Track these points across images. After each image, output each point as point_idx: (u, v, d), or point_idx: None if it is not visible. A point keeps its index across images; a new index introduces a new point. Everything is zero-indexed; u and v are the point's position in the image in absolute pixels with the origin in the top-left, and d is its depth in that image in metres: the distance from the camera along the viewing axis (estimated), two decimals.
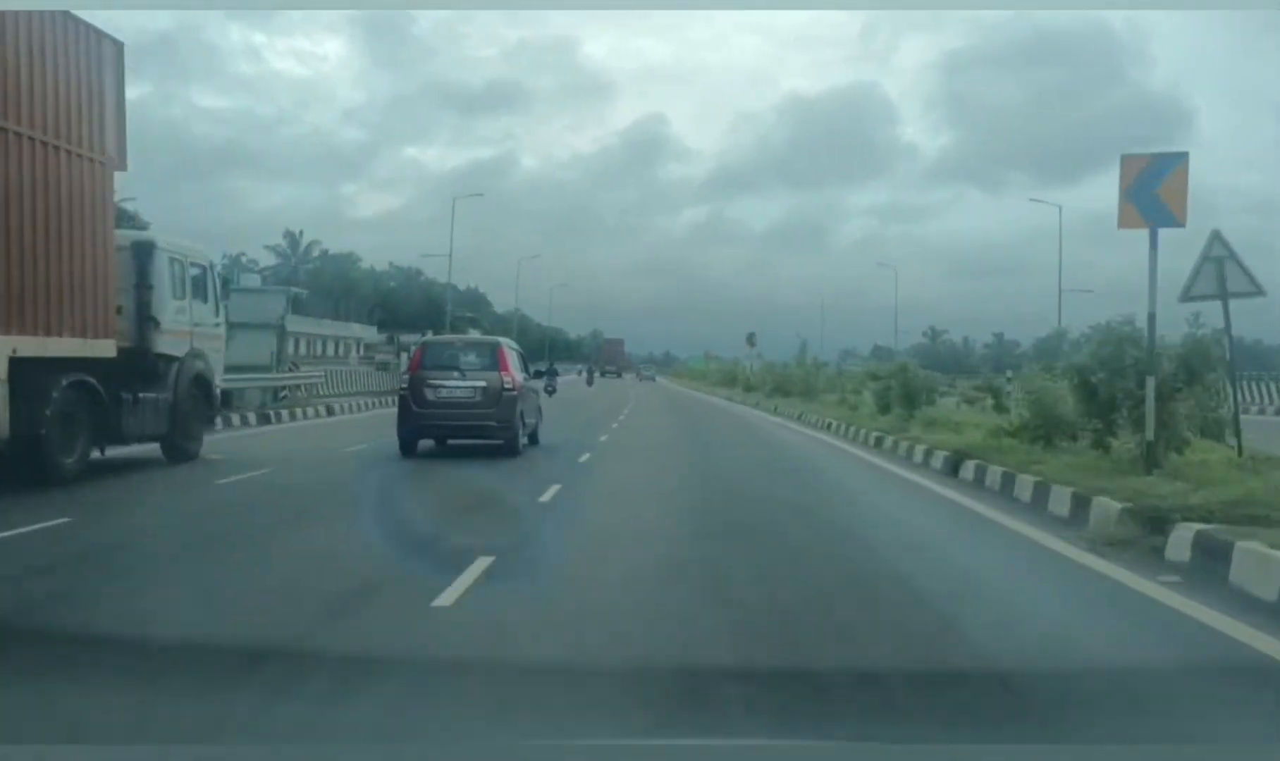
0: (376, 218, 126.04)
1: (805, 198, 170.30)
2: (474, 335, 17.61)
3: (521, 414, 14.66)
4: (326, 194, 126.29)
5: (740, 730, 3.64)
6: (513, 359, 14.93)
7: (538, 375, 17.58)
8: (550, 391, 43.86)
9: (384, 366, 42.33)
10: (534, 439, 16.43)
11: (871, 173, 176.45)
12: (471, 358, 14.61)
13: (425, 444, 14.82)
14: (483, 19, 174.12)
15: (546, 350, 70.08)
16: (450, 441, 14.82)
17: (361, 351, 61.02)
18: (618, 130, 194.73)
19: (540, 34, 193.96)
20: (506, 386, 14.26)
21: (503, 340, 15.52)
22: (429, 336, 15.74)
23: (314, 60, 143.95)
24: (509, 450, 14.29)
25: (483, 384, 14.22)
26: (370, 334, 65.88)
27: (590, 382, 67.14)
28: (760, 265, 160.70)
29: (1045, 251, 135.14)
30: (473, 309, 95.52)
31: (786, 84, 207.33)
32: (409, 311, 74.08)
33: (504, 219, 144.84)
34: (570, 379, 69.60)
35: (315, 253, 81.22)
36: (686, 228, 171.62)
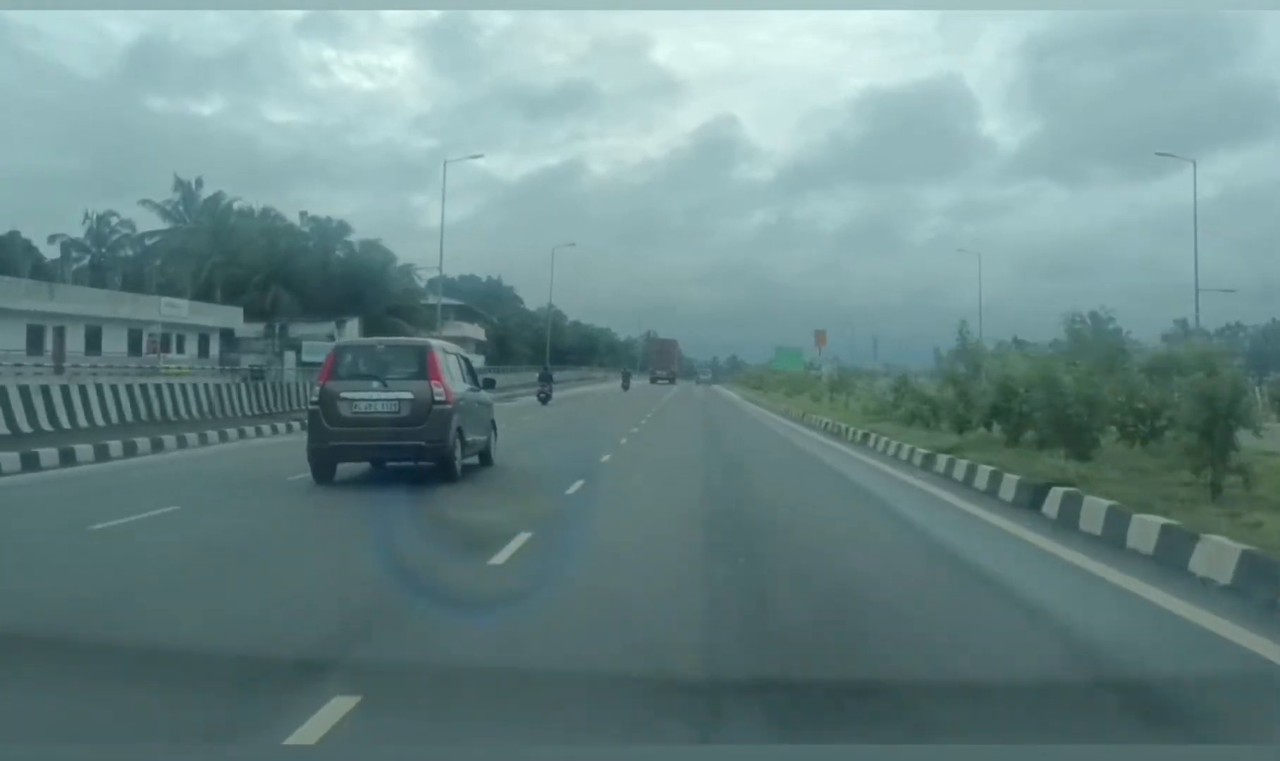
0: (447, 227, 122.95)
1: (877, 196, 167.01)
2: (399, 337, 15.05)
3: (459, 431, 12.18)
4: (396, 203, 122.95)
5: None
6: (447, 365, 12.46)
7: (488, 384, 15.03)
8: (543, 399, 40.89)
9: (257, 374, 32.01)
10: (486, 459, 14.02)
11: (948, 168, 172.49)
12: (394, 364, 12.12)
13: (354, 468, 12.38)
14: (545, 25, 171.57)
15: (546, 351, 65.09)
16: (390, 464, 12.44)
17: (223, 349, 47.98)
18: (686, 132, 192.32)
19: (607, 37, 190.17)
20: (437, 398, 11.79)
21: (434, 342, 13.02)
22: (344, 338, 13.18)
23: (381, 73, 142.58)
24: (443, 474, 11.84)
25: (408, 395, 11.74)
26: (239, 322, 49.33)
27: (625, 387, 63.54)
28: (830, 267, 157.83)
29: (1122, 246, 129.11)
30: (490, 304, 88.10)
31: (860, 80, 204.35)
32: (362, 295, 54.89)
33: (571, 224, 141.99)
34: (608, 386, 65.26)
35: (225, 208, 58.73)
36: (755, 229, 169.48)
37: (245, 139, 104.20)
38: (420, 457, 11.90)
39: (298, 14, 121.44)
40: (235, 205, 58.89)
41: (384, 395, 11.73)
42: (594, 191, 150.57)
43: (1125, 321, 15.58)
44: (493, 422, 14.72)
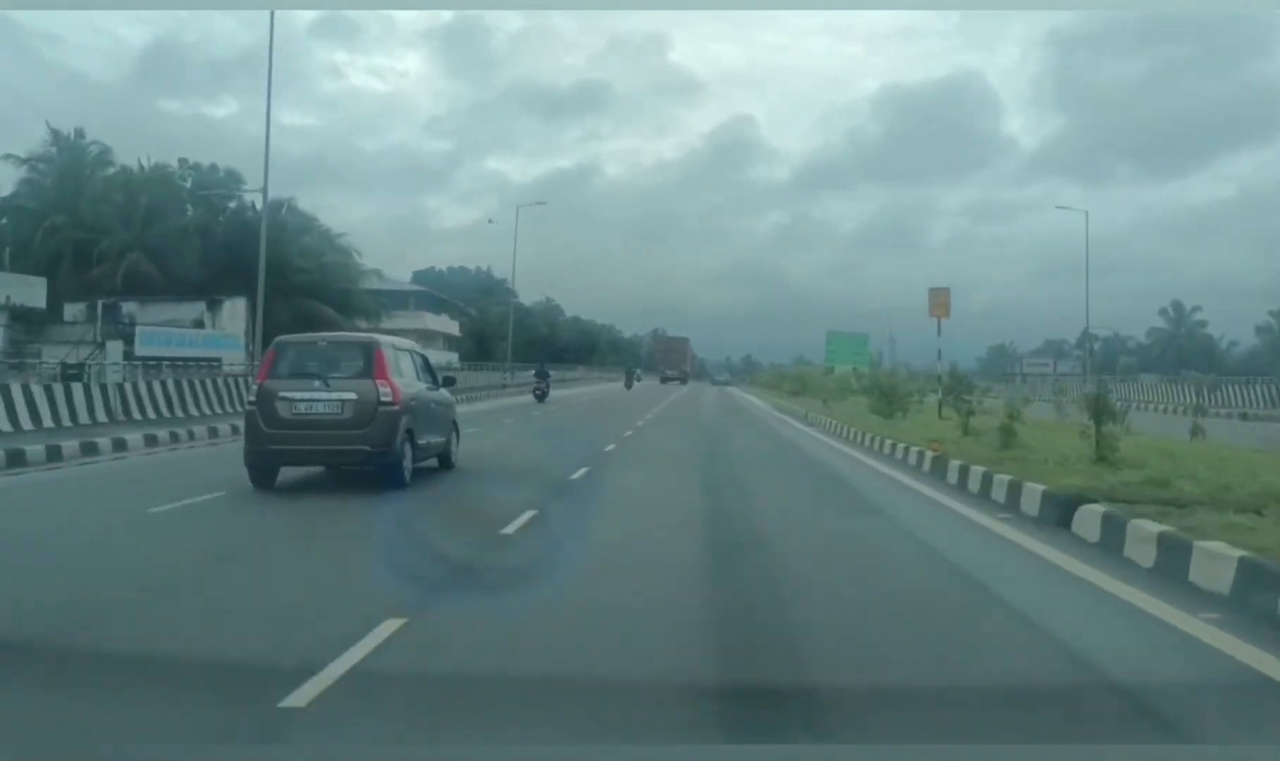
0: (460, 229, 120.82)
1: (894, 196, 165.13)
2: (345, 333, 14.26)
3: (409, 433, 11.41)
4: (410, 207, 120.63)
5: None
6: (397, 363, 11.68)
7: (448, 383, 14.24)
8: (540, 396, 40.45)
9: (72, 373, 23.40)
10: (446, 461, 13.28)
11: (967, 166, 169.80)
12: (338, 362, 11.33)
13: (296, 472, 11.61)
14: (557, 28, 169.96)
15: (507, 346, 62.41)
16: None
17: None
18: (701, 133, 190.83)
19: (621, 39, 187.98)
20: (383, 399, 11.01)
21: (382, 338, 12.22)
22: (287, 336, 12.30)
23: (394, 76, 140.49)
24: (390, 480, 11.07)
25: (351, 396, 10.96)
26: (37, 294, 32.92)
27: (629, 386, 62.05)
28: (844, 268, 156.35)
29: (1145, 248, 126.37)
30: (477, 299, 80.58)
31: (877, 79, 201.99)
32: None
33: (583, 226, 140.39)
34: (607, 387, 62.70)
35: (94, 158, 43.87)
36: (769, 230, 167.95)
37: (258, 142, 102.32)
38: (365, 463, 11.13)
39: (310, 15, 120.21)
40: (107, 157, 43.79)
41: (325, 395, 10.94)
42: (607, 192, 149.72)
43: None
44: (454, 423, 13.96)
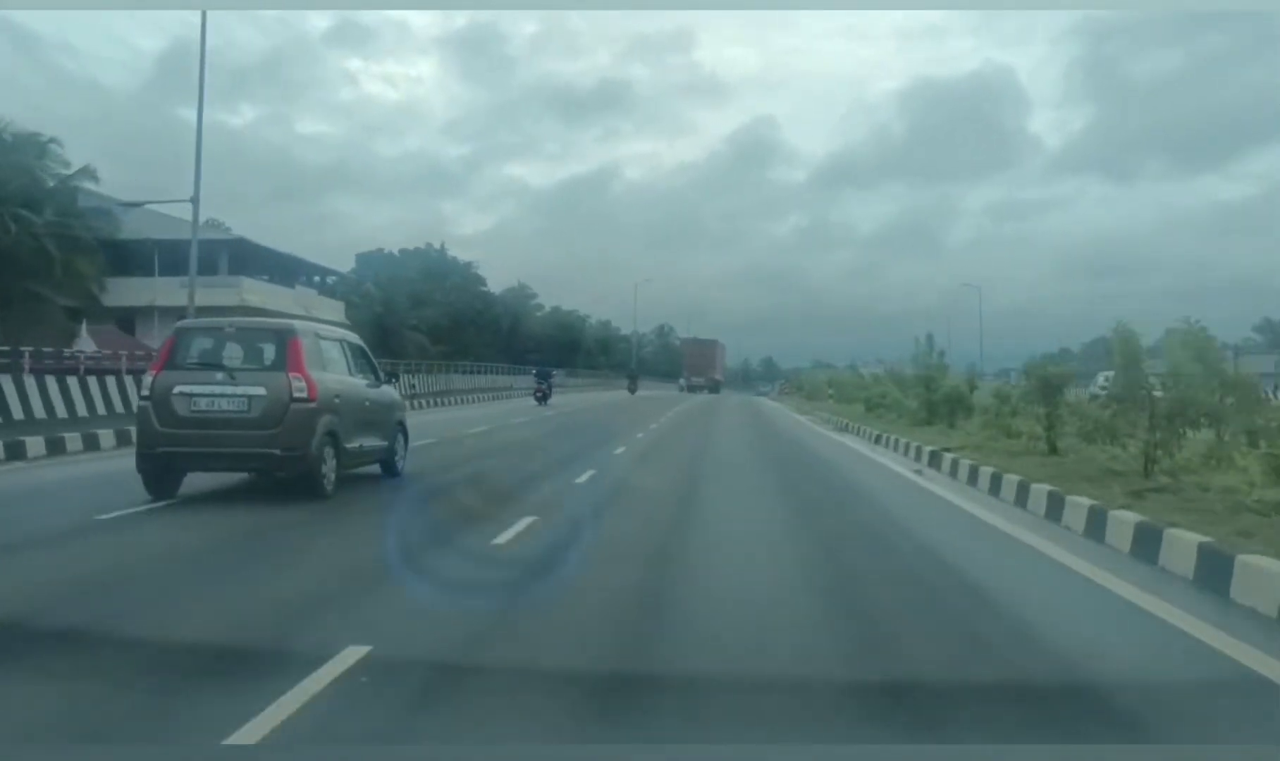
0: (479, 235, 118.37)
1: (917, 195, 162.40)
2: (257, 319, 12.72)
3: (331, 435, 9.88)
4: (430, 212, 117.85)
5: None
6: (319, 353, 10.14)
7: (390, 378, 12.67)
8: (540, 399, 39.12)
9: None
10: (389, 468, 11.81)
11: (993, 163, 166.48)
12: (246, 352, 9.80)
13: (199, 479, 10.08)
14: (571, 31, 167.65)
15: (503, 351, 58.66)
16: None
17: None
18: (721, 136, 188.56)
19: (639, 42, 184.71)
20: (297, 394, 9.48)
21: (301, 325, 10.70)
22: (185, 321, 10.85)
23: (407, 82, 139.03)
24: (306, 489, 9.56)
25: (259, 391, 9.43)
26: None
27: (632, 391, 57.02)
28: (866, 270, 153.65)
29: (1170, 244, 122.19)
30: (423, 282, 65.50)
31: (905, 76, 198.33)
32: None
33: (602, 227, 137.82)
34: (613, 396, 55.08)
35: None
36: (788, 233, 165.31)
37: (278, 150, 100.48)
38: (275, 468, 9.61)
39: (323, 24, 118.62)
40: None
41: (230, 390, 9.42)
42: (625, 195, 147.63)
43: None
44: (401, 425, 12.41)
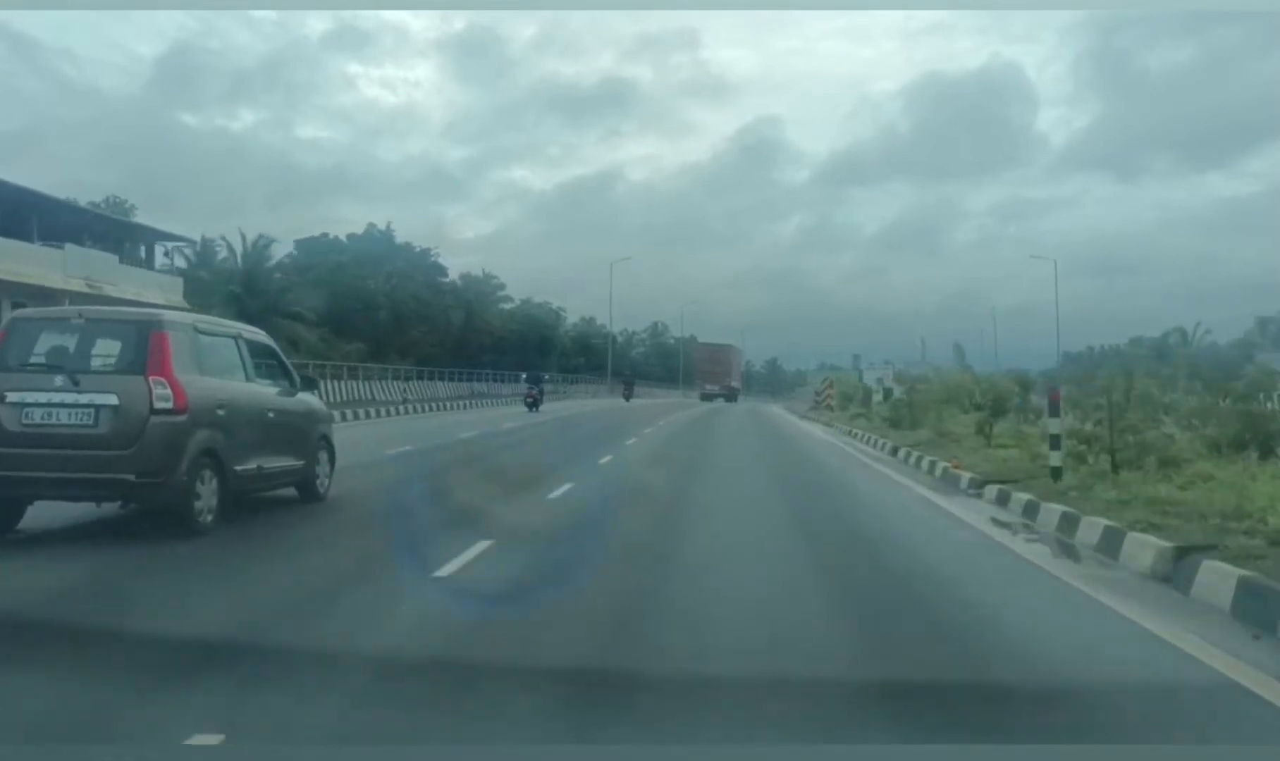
0: (480, 239, 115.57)
1: (922, 195, 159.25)
2: (112, 309, 10.69)
3: (211, 455, 7.85)
4: (431, 215, 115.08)
5: None
6: (196, 352, 8.07)
7: (307, 384, 10.59)
8: (531, 405, 36.98)
9: None
10: (308, 491, 9.83)
11: (1000, 161, 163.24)
12: (96, 350, 7.78)
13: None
14: (571, 34, 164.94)
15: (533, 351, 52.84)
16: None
17: None
18: (724, 136, 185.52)
19: (642, 43, 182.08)
20: (159, 404, 7.44)
21: (172, 315, 8.68)
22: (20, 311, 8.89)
23: (406, 86, 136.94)
24: (175, 522, 7.55)
25: (109, 400, 7.40)
26: None
27: (628, 398, 53.60)
28: (870, 270, 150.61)
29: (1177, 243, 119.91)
30: (363, 265, 54.03)
31: (911, 74, 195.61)
32: None
33: (604, 229, 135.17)
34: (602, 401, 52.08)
35: None
36: (791, 233, 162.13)
37: (278, 154, 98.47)
38: (130, 498, 7.61)
39: (321, 28, 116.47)
40: None
41: (72, 398, 7.39)
42: (627, 197, 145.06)
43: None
44: (325, 440, 10.39)
